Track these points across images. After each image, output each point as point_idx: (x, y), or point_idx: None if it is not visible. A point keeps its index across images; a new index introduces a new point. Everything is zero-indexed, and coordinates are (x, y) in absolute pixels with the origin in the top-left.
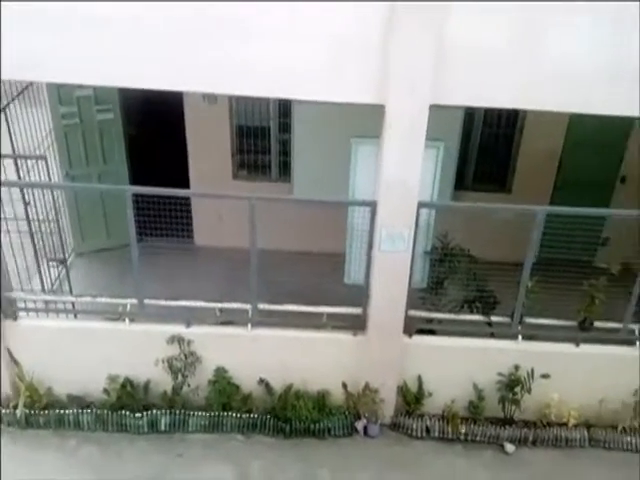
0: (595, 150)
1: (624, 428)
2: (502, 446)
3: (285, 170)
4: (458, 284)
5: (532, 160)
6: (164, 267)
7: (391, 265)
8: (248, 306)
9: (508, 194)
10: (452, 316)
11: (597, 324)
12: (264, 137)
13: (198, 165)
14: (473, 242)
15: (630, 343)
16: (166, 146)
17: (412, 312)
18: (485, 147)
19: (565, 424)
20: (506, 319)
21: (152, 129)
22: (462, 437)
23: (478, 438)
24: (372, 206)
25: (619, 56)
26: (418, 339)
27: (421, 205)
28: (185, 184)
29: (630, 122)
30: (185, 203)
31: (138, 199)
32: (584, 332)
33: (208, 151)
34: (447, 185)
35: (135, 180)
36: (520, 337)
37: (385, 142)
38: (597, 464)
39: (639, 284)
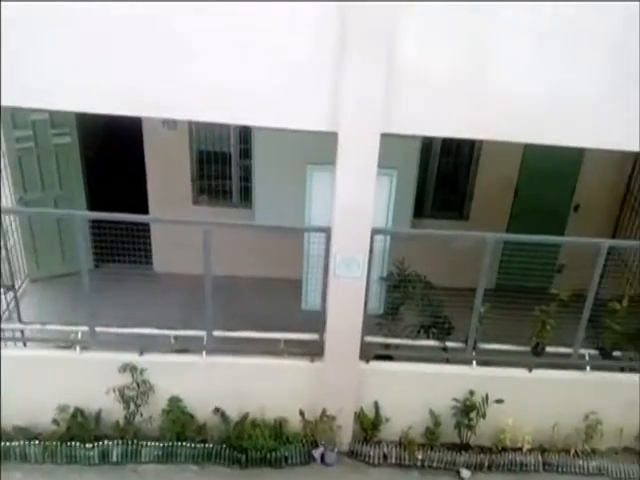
0: (549, 179)
1: (576, 452)
2: (458, 472)
3: (246, 196)
4: (414, 310)
5: (488, 189)
6: (122, 294)
7: (346, 291)
8: (203, 333)
9: (466, 221)
10: (408, 342)
11: (549, 349)
12: (225, 163)
13: (157, 190)
14: (431, 268)
15: (581, 368)
16: (125, 170)
17: (368, 338)
18: (443, 175)
19: (520, 449)
20: (461, 345)
21: (111, 153)
22: (419, 463)
23: (435, 464)
24: (327, 232)
25: (562, 86)
26: (375, 365)
27: (375, 231)
28: (145, 209)
29: (582, 151)
30: (143, 229)
31: (94, 225)
32: (537, 357)
33: (167, 176)
34: (406, 212)
35: (93, 205)
36: (475, 362)
37: (338, 169)
38: None
39: (587, 310)
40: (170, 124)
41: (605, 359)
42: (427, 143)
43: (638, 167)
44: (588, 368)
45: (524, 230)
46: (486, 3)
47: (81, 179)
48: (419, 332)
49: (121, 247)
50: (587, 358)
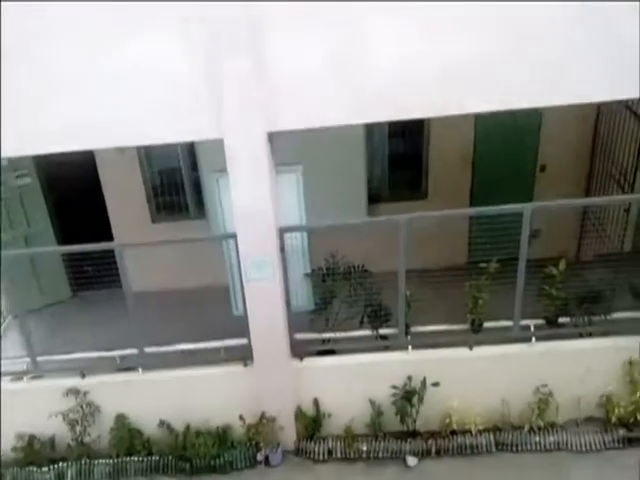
0: (508, 144)
1: (532, 428)
2: (405, 460)
3: (201, 208)
4: (349, 301)
5: (444, 164)
6: (98, 319)
7: (263, 292)
8: (135, 351)
9: (425, 200)
10: (341, 334)
11: (492, 324)
12: (177, 178)
13: (117, 213)
14: (379, 255)
15: (526, 340)
16: (90, 199)
17: (299, 335)
18: (396, 157)
19: (470, 431)
20: (395, 331)
21: (75, 185)
22: (364, 455)
23: (380, 454)
24: (233, 238)
25: (447, 57)
26: (309, 362)
27: (284, 230)
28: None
29: (540, 111)
30: (110, 255)
31: (68, 256)
32: (476, 334)
33: (124, 199)
34: (359, 200)
35: (65, 237)
36: (410, 347)
37: (231, 174)
38: (504, 468)
39: (520, 279)
40: (119, 148)
41: (552, 328)
42: (372, 128)
43: (603, 119)
44: (533, 339)
45: (489, 199)
46: None
47: (47, 215)
48: (361, 322)
49: (96, 274)
50: (532, 329)
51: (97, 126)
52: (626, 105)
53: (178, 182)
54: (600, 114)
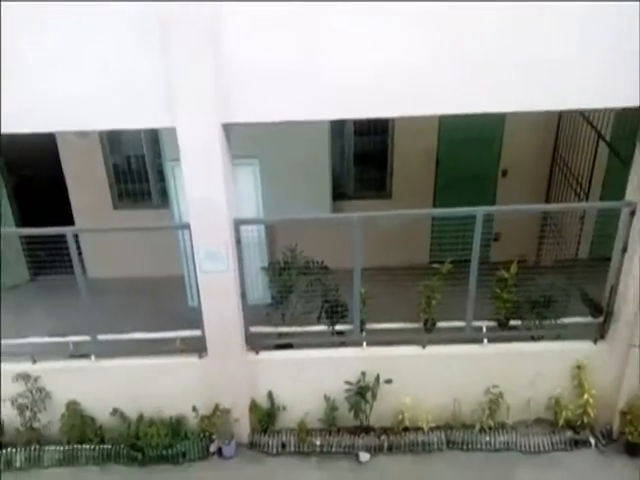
0: (471, 146)
1: (482, 427)
2: (357, 456)
3: (165, 196)
4: (306, 296)
5: (408, 163)
6: (58, 303)
7: (217, 284)
8: (88, 338)
9: (389, 199)
10: (298, 329)
11: (445, 324)
12: (140, 165)
13: (78, 198)
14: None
15: (478, 341)
16: (53, 182)
17: (255, 328)
18: (361, 156)
19: (422, 428)
20: (350, 327)
21: (37, 168)
22: (318, 449)
23: (334, 449)
24: (187, 228)
25: (389, 59)
26: (265, 355)
27: (239, 222)
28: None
29: (502, 115)
30: (75, 239)
31: (27, 240)
32: (428, 333)
33: (86, 184)
34: (324, 197)
35: (26, 220)
36: (365, 344)
37: (183, 163)
38: (454, 466)
39: (472, 282)
40: (80, 133)
41: (503, 330)
42: (338, 125)
43: (563, 127)
44: (485, 340)
45: (452, 201)
46: None
47: (6, 197)
48: (319, 318)
49: (54, 258)
50: (484, 330)
51: (48, 109)
52: (582, 115)
53: (141, 169)
54: (561, 122)
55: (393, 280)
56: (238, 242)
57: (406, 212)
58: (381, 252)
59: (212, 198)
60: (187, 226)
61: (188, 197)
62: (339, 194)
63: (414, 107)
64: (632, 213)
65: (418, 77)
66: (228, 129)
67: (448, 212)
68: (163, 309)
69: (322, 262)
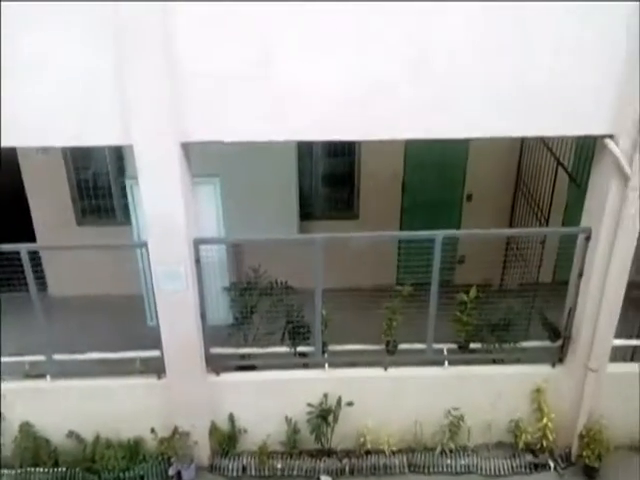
0: (437, 170)
1: (443, 450)
2: (319, 479)
3: (129, 213)
4: (269, 317)
5: (375, 185)
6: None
7: (175, 303)
8: (43, 358)
9: (356, 220)
10: (259, 350)
11: (407, 346)
12: (105, 182)
13: (40, 214)
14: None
15: (439, 363)
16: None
17: (216, 349)
18: (329, 176)
19: (384, 451)
20: (312, 349)
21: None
22: (279, 473)
23: (295, 473)
24: (145, 246)
25: (355, 75)
26: (226, 376)
27: (198, 241)
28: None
29: (467, 141)
30: (35, 256)
31: None
32: (390, 355)
33: (48, 200)
34: (291, 216)
35: None
36: (327, 365)
37: (141, 181)
38: None
39: (433, 305)
40: (42, 149)
41: (464, 353)
42: (306, 145)
43: (525, 154)
44: (446, 363)
45: (418, 224)
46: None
47: None
48: (282, 339)
49: (12, 276)
50: (445, 353)
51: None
52: (544, 142)
53: (105, 186)
54: (523, 149)
55: (358, 301)
56: (197, 261)
57: (368, 235)
58: (349, 273)
59: (171, 217)
60: (145, 244)
61: (146, 215)
62: (306, 214)
63: (374, 131)
64: (587, 238)
65: (380, 101)
66: (187, 147)
67: (408, 235)
68: (123, 328)
69: (286, 282)
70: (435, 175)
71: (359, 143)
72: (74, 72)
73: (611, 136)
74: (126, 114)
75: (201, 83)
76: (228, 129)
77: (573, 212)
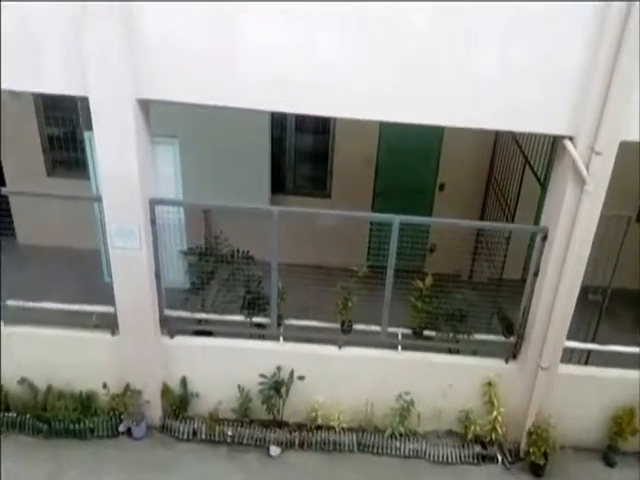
0: (410, 157)
1: (393, 433)
2: (268, 449)
3: None
4: (227, 285)
5: (348, 166)
6: None
7: (129, 262)
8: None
9: (328, 198)
10: (214, 317)
11: (362, 327)
12: (75, 134)
13: (11, 163)
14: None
15: (393, 347)
16: None
17: (169, 312)
18: (302, 152)
19: (334, 428)
20: (268, 321)
21: None
22: (229, 439)
23: (245, 441)
24: (100, 201)
25: (313, 54)
26: (180, 340)
27: (155, 202)
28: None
29: (441, 129)
30: (4, 202)
31: None
32: (345, 335)
33: (19, 150)
34: (262, 188)
35: None
36: (282, 339)
37: (96, 135)
38: (362, 469)
39: (389, 289)
40: (15, 95)
41: (418, 339)
42: (279, 118)
43: (498, 149)
44: (399, 347)
45: (389, 208)
46: None
47: None
48: (242, 308)
49: None
50: (400, 337)
51: None
52: (514, 139)
53: (77, 138)
54: (496, 144)
55: (325, 279)
56: (153, 222)
57: (326, 212)
58: (320, 251)
59: (126, 174)
60: (99, 199)
61: (101, 170)
62: (279, 188)
63: (323, 107)
64: (544, 238)
65: (337, 77)
66: (145, 105)
67: (367, 217)
68: (83, 281)
69: (247, 252)
70: (409, 162)
71: (334, 122)
72: (33, 17)
73: (571, 138)
74: (83, 64)
75: (159, 41)
76: (183, 90)
77: (539, 211)
